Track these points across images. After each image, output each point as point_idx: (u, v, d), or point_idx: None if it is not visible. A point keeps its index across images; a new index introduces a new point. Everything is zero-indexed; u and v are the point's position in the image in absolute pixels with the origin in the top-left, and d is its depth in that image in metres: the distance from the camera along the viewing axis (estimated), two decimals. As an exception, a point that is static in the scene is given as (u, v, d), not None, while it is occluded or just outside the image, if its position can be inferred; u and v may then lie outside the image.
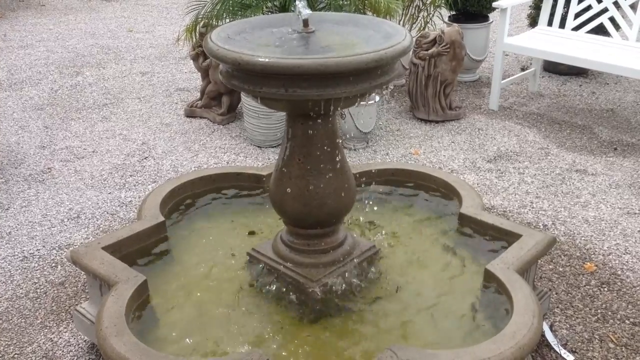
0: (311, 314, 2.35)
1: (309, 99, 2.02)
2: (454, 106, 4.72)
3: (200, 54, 4.60)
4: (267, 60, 1.92)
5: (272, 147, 4.27)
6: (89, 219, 3.48)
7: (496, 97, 4.91)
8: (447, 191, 2.95)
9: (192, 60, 4.83)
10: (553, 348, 2.51)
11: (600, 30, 4.93)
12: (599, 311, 2.75)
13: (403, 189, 3.06)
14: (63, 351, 2.56)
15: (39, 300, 2.86)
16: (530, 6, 5.86)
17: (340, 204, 2.34)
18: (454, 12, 5.59)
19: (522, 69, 5.72)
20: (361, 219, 2.90)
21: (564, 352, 2.49)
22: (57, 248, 3.23)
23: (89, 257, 2.40)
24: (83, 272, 2.67)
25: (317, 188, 2.27)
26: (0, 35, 7.07)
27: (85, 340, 2.60)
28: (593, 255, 3.12)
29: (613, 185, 3.78)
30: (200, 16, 4.53)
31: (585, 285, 2.91)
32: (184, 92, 5.33)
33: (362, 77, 2.01)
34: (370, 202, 2.96)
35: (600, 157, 4.15)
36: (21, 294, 2.90)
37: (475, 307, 2.37)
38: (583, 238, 3.26)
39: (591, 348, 2.55)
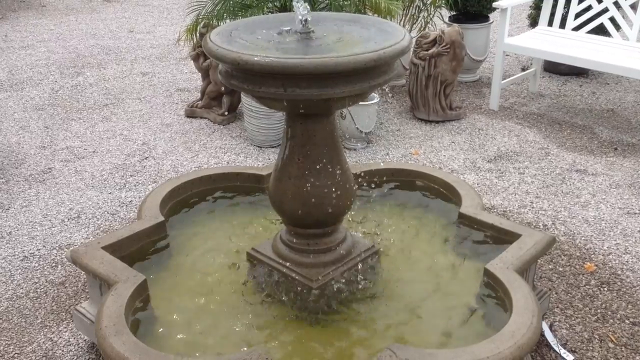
0: (310, 314, 2.35)
1: (308, 98, 2.02)
2: (454, 106, 4.72)
3: (200, 54, 4.60)
4: (266, 60, 1.92)
5: (272, 147, 4.27)
6: (89, 219, 3.48)
7: (496, 97, 4.91)
8: (447, 191, 2.95)
9: (192, 61, 4.84)
10: (552, 348, 2.51)
11: (601, 30, 4.93)
12: (598, 311, 2.75)
13: (403, 188, 3.06)
14: (63, 351, 2.57)
15: (39, 299, 2.86)
16: (530, 6, 5.86)
17: (339, 204, 2.34)
18: (454, 12, 5.59)
19: (523, 69, 5.73)
20: (360, 218, 2.90)
21: (563, 352, 2.49)
22: (57, 248, 3.23)
23: (89, 256, 2.41)
24: (83, 272, 2.67)
25: (316, 188, 2.27)
26: (1, 35, 7.08)
27: (85, 340, 2.60)
28: (593, 255, 3.12)
29: (613, 185, 3.78)
30: (201, 17, 4.54)
31: (585, 285, 2.91)
32: (185, 93, 5.34)
33: (361, 76, 2.01)
34: (370, 202, 2.96)
35: (601, 157, 4.15)
36: (21, 293, 2.91)
37: (475, 306, 2.37)
38: (583, 238, 3.26)
39: (591, 348, 2.55)
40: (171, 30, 7.19)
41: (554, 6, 5.04)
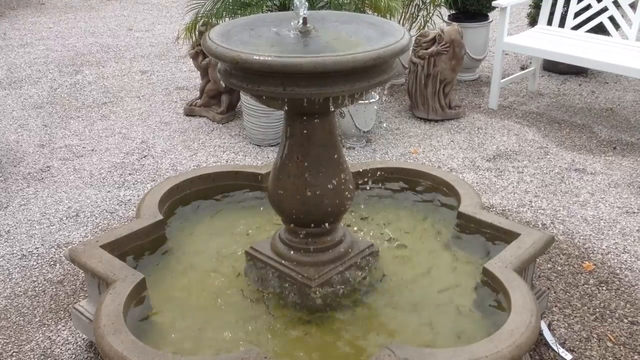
0: (309, 312, 2.35)
1: (307, 97, 2.01)
2: (454, 105, 4.72)
3: (199, 53, 4.60)
4: (265, 58, 1.92)
5: (272, 145, 4.27)
6: (88, 218, 3.48)
7: (496, 96, 4.91)
8: (446, 190, 2.95)
9: (191, 59, 4.84)
10: (551, 347, 2.51)
11: (600, 29, 4.93)
12: (597, 310, 2.75)
13: (402, 187, 3.06)
14: (61, 349, 2.57)
15: (37, 298, 2.86)
16: (530, 5, 5.85)
17: (338, 203, 2.34)
18: (453, 11, 5.59)
19: (522, 68, 5.72)
20: (359, 217, 2.90)
21: (562, 351, 2.49)
22: (55, 246, 3.23)
23: (87, 255, 2.40)
24: (81, 271, 2.67)
25: (315, 187, 2.27)
26: (0, 33, 7.07)
27: (83, 339, 2.60)
28: (592, 254, 3.12)
29: (612, 184, 3.78)
30: (200, 15, 4.54)
31: (583, 284, 2.91)
32: (184, 91, 5.33)
33: (361, 75, 2.01)
34: (369, 201, 2.96)
35: (600, 156, 4.15)
36: (20, 292, 2.90)
37: (473, 305, 2.37)
38: (582, 237, 3.26)
39: (589, 347, 2.55)
40: (170, 29, 7.19)
41: (554, 5, 5.04)
